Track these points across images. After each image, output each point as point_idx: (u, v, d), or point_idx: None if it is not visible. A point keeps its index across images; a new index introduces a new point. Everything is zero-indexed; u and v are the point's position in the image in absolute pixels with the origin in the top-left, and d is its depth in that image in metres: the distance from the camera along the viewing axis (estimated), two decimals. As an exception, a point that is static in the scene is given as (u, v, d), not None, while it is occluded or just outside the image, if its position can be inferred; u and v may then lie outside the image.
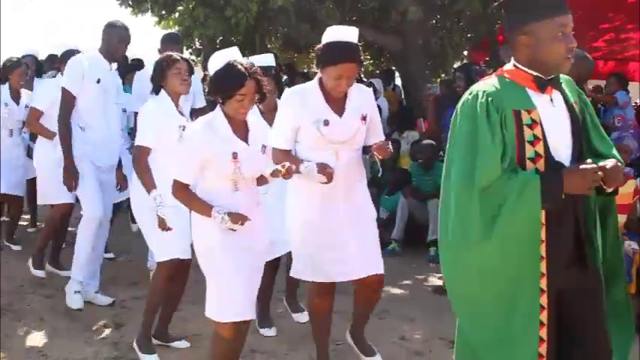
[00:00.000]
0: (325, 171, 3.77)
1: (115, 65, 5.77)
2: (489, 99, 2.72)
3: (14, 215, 7.64)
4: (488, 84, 2.82)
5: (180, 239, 4.46)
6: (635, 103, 11.05)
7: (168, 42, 6.33)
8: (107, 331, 5.15)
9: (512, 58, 2.85)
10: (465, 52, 12.36)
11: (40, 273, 6.06)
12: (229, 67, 3.50)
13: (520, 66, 2.79)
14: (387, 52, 12.25)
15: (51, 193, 5.94)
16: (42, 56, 8.52)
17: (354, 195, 4.08)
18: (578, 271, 2.80)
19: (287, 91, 4.17)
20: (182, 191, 3.65)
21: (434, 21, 10.24)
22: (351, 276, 4.08)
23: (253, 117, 3.81)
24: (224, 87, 3.52)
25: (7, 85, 6.98)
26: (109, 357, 4.71)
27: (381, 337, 4.84)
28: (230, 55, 3.59)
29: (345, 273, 4.06)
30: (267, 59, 5.10)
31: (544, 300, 2.73)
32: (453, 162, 2.78)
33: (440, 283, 6.36)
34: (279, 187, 4.34)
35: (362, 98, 4.06)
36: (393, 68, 12.01)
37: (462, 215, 2.69)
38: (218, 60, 3.56)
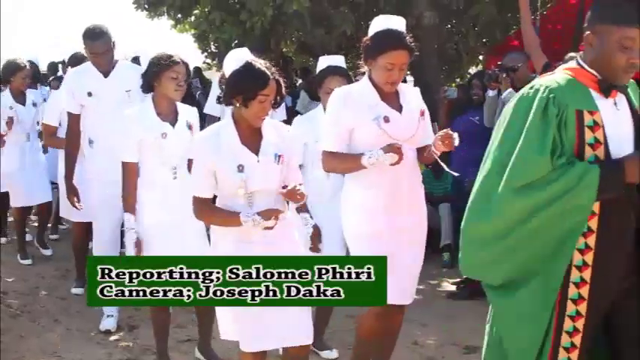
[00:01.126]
0: (393, 147, 3.44)
1: (121, 67, 5.23)
2: (551, 95, 2.66)
3: (43, 219, 7.40)
4: (551, 80, 2.75)
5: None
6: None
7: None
8: (120, 334, 5.16)
9: (578, 56, 2.80)
10: (481, 57, 12.31)
11: (79, 291, 5.86)
12: (250, 66, 3.22)
13: (585, 65, 2.74)
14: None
15: (69, 208, 5.67)
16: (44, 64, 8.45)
17: (416, 202, 3.80)
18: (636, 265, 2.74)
19: (337, 90, 3.83)
20: (203, 208, 3.36)
21: (449, 26, 10.19)
22: (402, 300, 3.75)
23: (272, 123, 3.49)
24: (245, 87, 3.20)
25: (7, 90, 6.76)
26: (122, 359, 4.72)
27: None
28: (244, 54, 3.33)
29: (400, 296, 3.69)
30: (338, 60, 4.77)
31: (585, 291, 2.68)
32: (490, 153, 2.76)
33: (453, 288, 6.34)
34: (331, 202, 4.16)
35: (413, 95, 3.85)
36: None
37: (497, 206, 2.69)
38: (234, 59, 3.29)
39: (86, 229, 5.70)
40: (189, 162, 4.09)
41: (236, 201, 3.29)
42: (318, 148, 3.89)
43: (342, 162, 3.71)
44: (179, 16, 10.69)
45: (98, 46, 5.05)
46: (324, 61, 4.68)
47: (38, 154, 7.05)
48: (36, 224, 7.82)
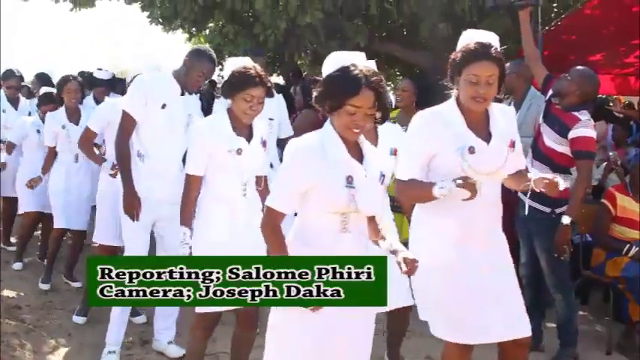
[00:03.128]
0: (467, 183, 3.02)
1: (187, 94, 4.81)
2: None
3: (75, 247, 6.67)
4: None
5: None
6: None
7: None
8: (133, 349, 5.13)
9: None
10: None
11: (80, 319, 5.63)
12: (344, 71, 2.76)
13: None
14: (416, 68, 12.21)
15: (104, 233, 5.38)
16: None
17: (495, 239, 3.42)
18: None
19: (421, 112, 3.40)
20: (272, 227, 2.93)
21: (463, 37, 10.17)
22: (493, 337, 3.36)
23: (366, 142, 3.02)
24: (333, 92, 2.77)
25: (63, 108, 6.35)
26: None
27: (407, 356, 4.74)
28: (346, 56, 2.87)
29: (486, 333, 3.33)
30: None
31: None
32: None
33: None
34: None
35: (506, 119, 3.39)
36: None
37: None
38: (334, 61, 2.86)
39: (114, 254, 5.37)
40: (258, 179, 4.02)
41: (328, 223, 2.88)
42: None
43: (412, 189, 3.32)
44: (193, 29, 10.72)
45: (212, 69, 4.77)
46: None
47: (85, 177, 6.42)
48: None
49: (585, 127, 4.71)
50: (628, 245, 5.37)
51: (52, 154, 6.44)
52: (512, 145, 3.31)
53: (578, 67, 4.95)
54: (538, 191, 3.27)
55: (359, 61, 2.82)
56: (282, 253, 2.89)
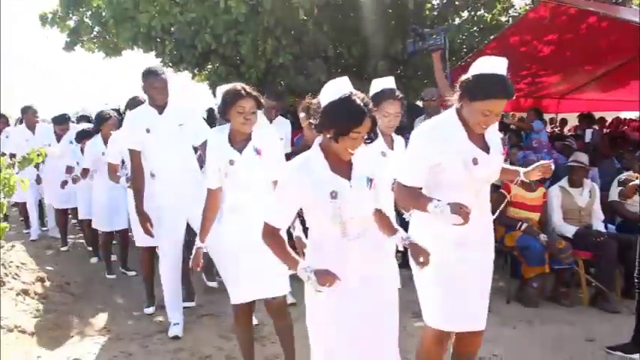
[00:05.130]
0: (460, 211, 2.53)
1: (173, 105, 4.48)
2: None
3: (123, 243, 6.40)
4: None
5: (256, 281, 3.31)
6: (549, 129, 11.07)
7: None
8: (155, 312, 5.12)
9: None
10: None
11: (150, 310, 5.15)
12: (348, 101, 2.39)
13: None
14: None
15: (139, 236, 4.99)
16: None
17: (487, 239, 2.99)
18: None
19: (424, 124, 2.91)
20: (270, 236, 2.53)
21: (398, 71, 10.21)
22: (474, 326, 2.94)
23: (362, 150, 2.53)
24: (339, 123, 2.38)
25: (99, 136, 6.11)
26: (155, 331, 4.68)
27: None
28: (345, 85, 2.46)
29: (471, 322, 2.92)
30: (391, 82, 3.85)
31: None
32: None
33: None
34: None
35: (493, 130, 2.90)
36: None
37: None
38: (334, 89, 2.45)
39: (152, 253, 5.12)
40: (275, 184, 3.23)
41: (330, 231, 2.49)
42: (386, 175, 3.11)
43: (410, 198, 2.84)
44: (195, 70, 10.71)
45: (160, 80, 4.37)
46: (378, 84, 3.81)
47: (120, 190, 5.84)
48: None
49: None
50: (520, 223, 5.46)
51: (86, 173, 6.23)
52: (506, 153, 2.91)
53: (431, 89, 4.99)
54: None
55: (349, 88, 2.45)
56: (284, 254, 2.50)
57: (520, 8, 10.74)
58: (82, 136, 6.64)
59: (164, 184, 4.42)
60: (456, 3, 9.53)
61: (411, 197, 2.82)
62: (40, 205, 8.38)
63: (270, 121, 5.76)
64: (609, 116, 11.54)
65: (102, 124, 6.05)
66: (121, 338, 4.53)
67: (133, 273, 6.35)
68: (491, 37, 8.15)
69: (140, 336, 4.57)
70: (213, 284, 5.59)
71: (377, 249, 2.59)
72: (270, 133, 3.52)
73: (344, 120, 2.37)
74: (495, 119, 2.71)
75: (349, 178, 2.49)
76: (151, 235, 4.52)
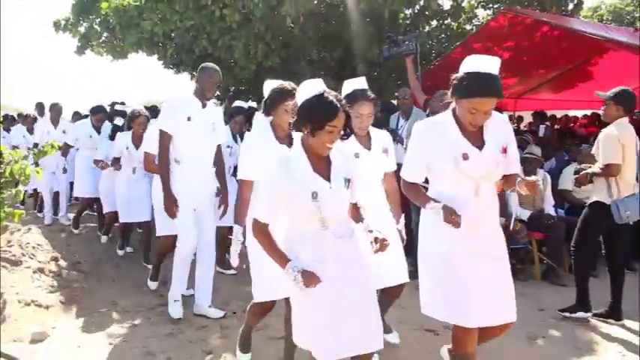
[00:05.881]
0: (451, 219, 2.43)
1: (210, 103, 4.25)
2: None
3: (146, 238, 5.99)
4: None
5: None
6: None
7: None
8: (154, 285, 5.11)
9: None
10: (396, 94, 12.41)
11: (154, 285, 5.06)
12: (321, 98, 2.32)
13: None
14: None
15: (161, 225, 4.71)
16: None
17: (495, 234, 2.68)
18: None
19: (420, 122, 2.72)
20: (261, 233, 2.40)
21: (375, 73, 10.23)
22: (491, 321, 2.60)
23: (337, 146, 2.42)
24: (314, 117, 2.30)
25: (130, 132, 5.81)
26: (157, 304, 4.68)
27: (404, 327, 3.96)
28: (318, 85, 2.37)
29: (488, 317, 2.59)
30: (363, 83, 3.33)
31: None
32: None
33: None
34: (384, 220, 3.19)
35: (500, 127, 2.64)
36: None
37: None
38: (308, 89, 2.36)
39: (170, 244, 4.60)
40: None
41: (310, 225, 2.37)
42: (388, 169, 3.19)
43: (412, 194, 2.73)
44: (194, 72, 10.66)
45: (217, 76, 4.17)
46: (350, 85, 3.31)
47: (141, 184, 5.80)
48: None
49: None
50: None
51: (117, 162, 5.92)
52: (505, 150, 2.61)
53: (441, 91, 5.04)
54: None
55: (323, 87, 2.36)
56: (274, 250, 2.38)
57: (482, 18, 10.82)
58: (116, 132, 6.47)
59: (187, 172, 4.15)
60: (426, 13, 9.56)
61: (413, 193, 2.72)
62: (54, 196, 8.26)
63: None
64: (560, 114, 11.64)
65: (133, 121, 5.81)
66: (127, 311, 4.53)
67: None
68: (457, 44, 8.19)
69: (144, 309, 4.57)
70: (231, 272, 5.43)
71: (350, 236, 2.49)
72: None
73: (319, 114, 2.29)
74: (483, 117, 2.50)
75: (329, 179, 2.39)
76: (174, 216, 4.15)
